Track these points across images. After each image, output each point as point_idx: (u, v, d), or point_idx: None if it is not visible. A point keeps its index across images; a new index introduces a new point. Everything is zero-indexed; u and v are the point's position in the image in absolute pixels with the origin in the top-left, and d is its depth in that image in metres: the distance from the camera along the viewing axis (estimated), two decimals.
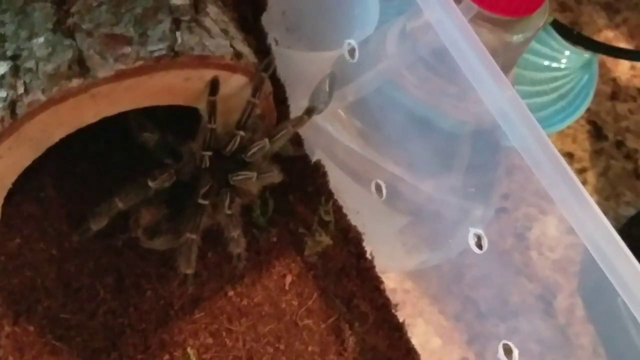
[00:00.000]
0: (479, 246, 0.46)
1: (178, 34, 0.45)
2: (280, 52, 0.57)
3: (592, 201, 0.38)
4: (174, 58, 0.44)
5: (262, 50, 0.56)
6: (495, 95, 0.40)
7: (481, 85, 0.41)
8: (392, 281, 0.58)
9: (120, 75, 0.43)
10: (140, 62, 0.43)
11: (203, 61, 0.45)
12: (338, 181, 0.57)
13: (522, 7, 0.46)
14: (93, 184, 0.53)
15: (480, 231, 0.46)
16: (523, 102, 0.40)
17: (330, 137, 0.58)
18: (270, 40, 0.58)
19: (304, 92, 0.53)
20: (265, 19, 0.58)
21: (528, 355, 0.51)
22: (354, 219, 0.57)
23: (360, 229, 0.56)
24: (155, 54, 0.43)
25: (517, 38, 0.47)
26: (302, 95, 0.54)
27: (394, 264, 0.58)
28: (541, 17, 0.47)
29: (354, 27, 0.56)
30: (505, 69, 0.52)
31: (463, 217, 0.55)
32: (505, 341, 0.47)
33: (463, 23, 0.42)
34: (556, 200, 0.39)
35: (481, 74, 0.41)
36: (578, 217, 0.38)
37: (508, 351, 0.47)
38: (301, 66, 0.58)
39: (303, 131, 0.57)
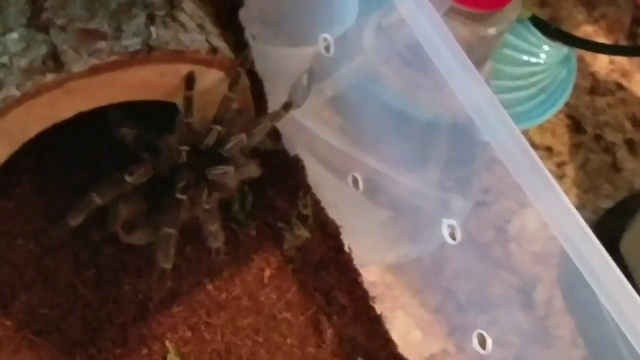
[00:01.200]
0: (453, 237, 0.47)
1: (153, 28, 0.45)
2: (258, 47, 0.57)
3: (564, 196, 0.39)
4: (148, 53, 0.44)
5: (240, 45, 0.56)
6: (467, 90, 0.41)
7: (454, 81, 0.41)
8: (372, 274, 0.59)
9: (94, 70, 0.43)
10: (114, 57, 0.43)
11: (178, 56, 0.45)
12: (316, 175, 0.57)
13: (494, 0, 0.46)
14: (70, 180, 0.53)
15: (453, 222, 0.46)
16: (495, 97, 0.40)
17: (310, 133, 0.58)
18: (247, 35, 0.58)
19: (283, 87, 0.53)
20: (242, 14, 0.58)
21: (507, 346, 0.52)
22: (332, 213, 0.57)
23: (338, 222, 0.57)
24: (130, 49, 0.44)
25: (491, 31, 0.48)
26: (280, 90, 0.54)
27: (374, 257, 0.58)
28: (514, 10, 0.48)
29: (333, 22, 0.56)
30: (480, 62, 0.52)
31: (442, 210, 0.56)
32: (479, 330, 0.47)
33: (436, 18, 0.42)
34: (529, 195, 0.39)
35: (454, 69, 0.41)
36: (552, 212, 0.39)
37: (482, 341, 0.47)
38: (279, 61, 0.58)
39: (282, 126, 0.58)
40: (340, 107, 0.56)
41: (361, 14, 0.56)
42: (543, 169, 0.39)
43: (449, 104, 0.50)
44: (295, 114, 0.52)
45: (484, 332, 0.47)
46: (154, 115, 0.50)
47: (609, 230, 0.65)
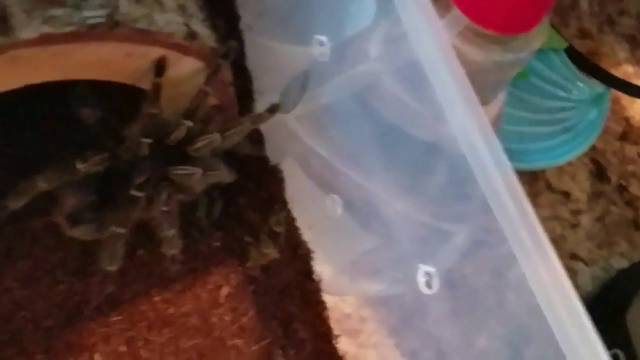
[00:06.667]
0: (429, 285, 0.41)
1: (123, 2, 0.40)
2: (254, 39, 0.52)
3: (557, 262, 0.33)
4: (112, 28, 0.39)
5: (233, 36, 0.51)
6: (463, 122, 0.35)
7: (450, 109, 0.35)
8: (348, 305, 0.54)
9: (45, 40, 0.37)
10: (70, 28, 0.38)
11: (146, 36, 0.40)
12: (295, 191, 0.52)
13: (516, 23, 0.40)
14: (18, 158, 0.48)
15: (431, 269, 0.41)
16: (495, 136, 0.35)
17: (300, 142, 0.52)
18: (243, 25, 0.52)
19: (275, 86, 0.48)
20: (239, 1, 0.53)
21: None
22: (306, 235, 0.52)
23: (311, 246, 0.51)
24: (90, 21, 0.38)
25: (507, 57, 0.42)
26: (272, 89, 0.49)
27: (344, 289, 0.53)
28: (539, 38, 0.42)
29: (339, 24, 0.51)
30: (494, 90, 0.47)
31: (423, 251, 0.50)
32: None
33: (441, 35, 0.37)
34: (516, 253, 0.34)
35: (452, 96, 0.35)
36: (540, 278, 0.33)
37: None
38: (274, 58, 0.53)
39: (270, 132, 0.52)
40: (333, 118, 0.51)
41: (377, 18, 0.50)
42: (537, 225, 0.33)
43: (446, 132, 0.45)
44: (288, 119, 0.47)
45: None
46: (128, 99, 0.45)
47: (617, 295, 0.59)
